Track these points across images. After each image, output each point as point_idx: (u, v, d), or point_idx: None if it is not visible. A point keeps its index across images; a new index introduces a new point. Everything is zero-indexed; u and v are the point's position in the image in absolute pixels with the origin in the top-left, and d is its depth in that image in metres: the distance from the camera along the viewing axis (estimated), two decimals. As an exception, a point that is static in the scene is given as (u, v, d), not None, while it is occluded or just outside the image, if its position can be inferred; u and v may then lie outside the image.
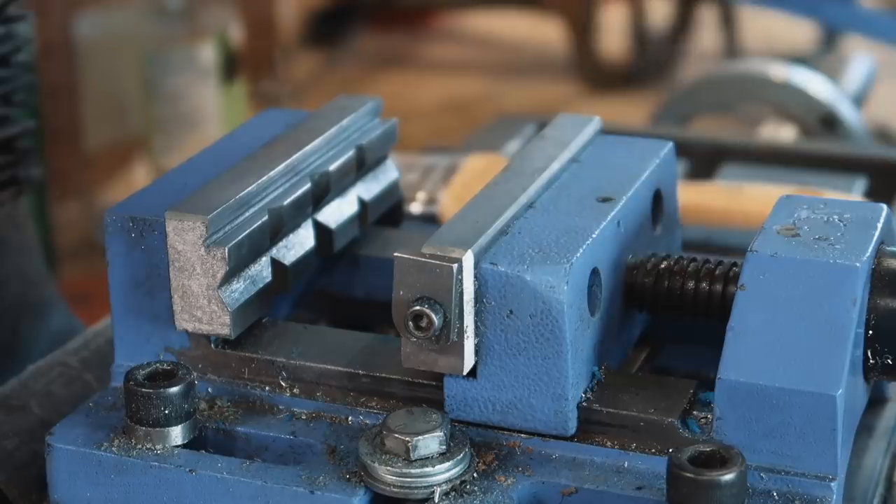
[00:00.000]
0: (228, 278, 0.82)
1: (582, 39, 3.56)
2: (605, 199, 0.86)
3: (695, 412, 0.80)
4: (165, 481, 0.79)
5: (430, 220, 1.16)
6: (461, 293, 0.77)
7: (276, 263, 0.87)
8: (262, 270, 0.86)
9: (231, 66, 3.64)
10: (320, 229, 0.93)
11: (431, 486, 0.76)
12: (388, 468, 0.76)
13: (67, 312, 1.22)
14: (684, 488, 0.71)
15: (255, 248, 0.85)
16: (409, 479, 0.76)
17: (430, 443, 0.76)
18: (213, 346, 0.86)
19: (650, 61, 3.60)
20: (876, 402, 0.89)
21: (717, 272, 0.85)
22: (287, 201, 0.87)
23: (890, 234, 0.84)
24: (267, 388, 0.85)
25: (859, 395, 0.81)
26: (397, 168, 1.01)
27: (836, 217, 0.83)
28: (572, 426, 0.80)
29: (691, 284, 0.86)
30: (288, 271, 0.89)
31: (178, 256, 0.82)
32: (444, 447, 0.77)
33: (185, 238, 0.82)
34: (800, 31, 3.50)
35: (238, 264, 0.83)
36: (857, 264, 0.78)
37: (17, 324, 1.17)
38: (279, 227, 0.87)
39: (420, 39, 4.10)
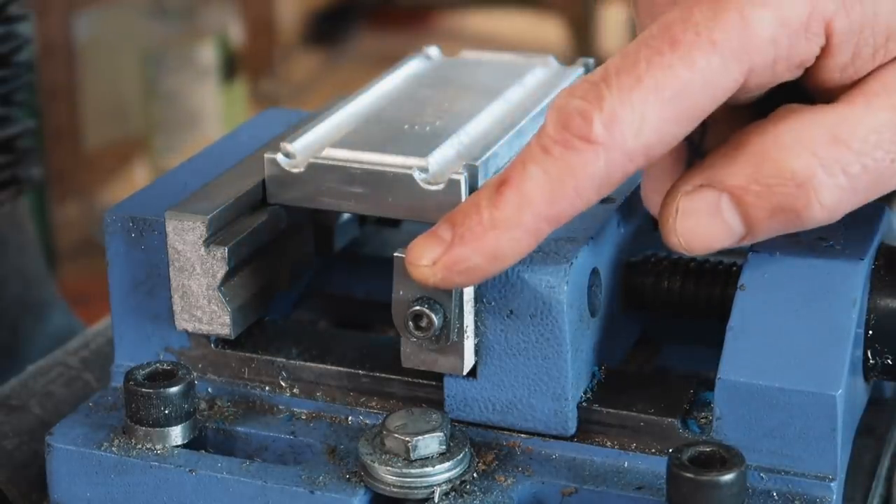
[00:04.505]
0: (228, 278, 0.82)
1: (581, 39, 3.56)
2: (605, 199, 0.86)
3: (695, 412, 0.80)
4: (165, 481, 0.79)
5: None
6: (461, 293, 0.77)
7: (276, 263, 0.87)
8: (262, 270, 0.86)
9: (231, 66, 3.64)
10: (320, 229, 0.93)
11: (431, 486, 0.76)
12: (388, 468, 0.76)
13: (67, 312, 1.22)
14: (684, 488, 0.71)
15: (255, 248, 0.84)
16: (409, 479, 0.76)
17: (430, 443, 0.76)
18: (213, 346, 0.86)
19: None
20: (876, 402, 0.89)
21: (717, 272, 0.85)
22: (287, 201, 0.87)
23: (890, 234, 0.84)
24: (267, 388, 0.85)
25: (859, 395, 0.81)
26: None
27: (836, 217, 0.83)
28: (572, 426, 0.80)
29: (691, 284, 0.86)
30: (288, 271, 0.89)
31: (178, 256, 0.82)
32: (444, 447, 0.77)
33: (185, 238, 0.82)
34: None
35: (238, 264, 0.83)
36: (857, 264, 0.78)
37: (17, 324, 1.17)
38: (279, 226, 0.87)
39: (420, 39, 4.10)
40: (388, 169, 0.83)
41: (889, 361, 0.80)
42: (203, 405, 0.85)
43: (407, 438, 0.76)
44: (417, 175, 0.82)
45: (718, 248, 0.76)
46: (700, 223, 0.75)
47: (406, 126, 0.88)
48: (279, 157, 0.85)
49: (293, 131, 0.88)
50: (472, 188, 0.83)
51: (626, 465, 0.79)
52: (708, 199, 0.74)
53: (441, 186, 0.82)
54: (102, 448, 0.81)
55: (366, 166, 0.83)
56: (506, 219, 0.72)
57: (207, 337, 0.86)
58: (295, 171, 0.84)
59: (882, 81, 0.74)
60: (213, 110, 3.60)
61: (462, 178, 0.82)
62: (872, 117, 0.73)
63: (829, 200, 0.73)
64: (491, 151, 0.85)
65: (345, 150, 0.85)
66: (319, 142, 0.86)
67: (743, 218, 0.74)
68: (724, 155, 0.75)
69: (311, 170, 0.84)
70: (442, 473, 0.76)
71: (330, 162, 0.84)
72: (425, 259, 0.74)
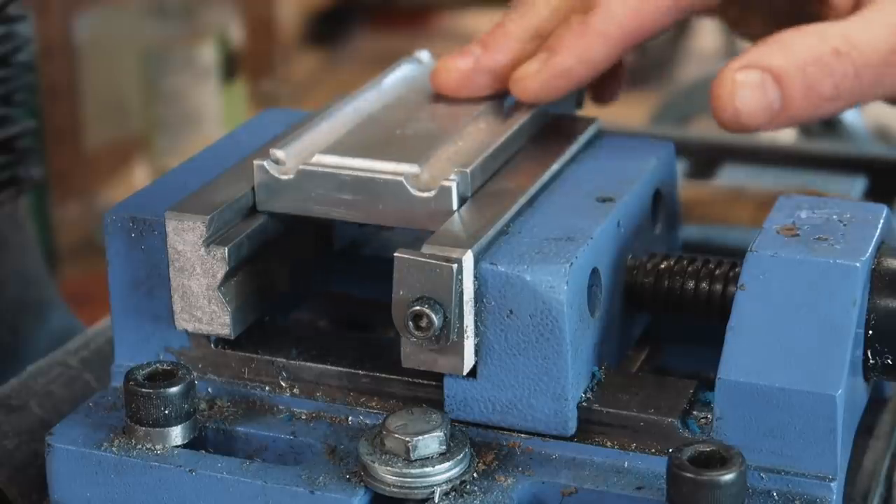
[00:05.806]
0: (228, 278, 0.82)
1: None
2: (605, 199, 0.86)
3: (695, 412, 0.80)
4: (165, 481, 0.79)
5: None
6: (461, 293, 0.77)
7: (276, 263, 0.87)
8: (262, 270, 0.86)
9: (231, 66, 3.65)
10: (320, 228, 0.93)
11: (431, 486, 0.76)
12: (388, 468, 0.76)
13: (67, 312, 1.22)
14: (684, 488, 0.71)
15: (255, 248, 0.84)
16: (409, 479, 0.76)
17: (430, 443, 0.76)
18: (213, 346, 0.86)
19: (650, 61, 3.61)
20: (876, 402, 0.89)
21: (717, 272, 0.85)
22: (287, 201, 0.87)
23: (890, 234, 0.84)
24: (267, 388, 0.85)
25: (859, 395, 0.81)
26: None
27: (836, 217, 0.83)
28: (572, 426, 0.80)
29: (691, 284, 0.86)
30: (288, 271, 0.89)
31: (178, 256, 0.82)
32: (444, 447, 0.77)
33: (185, 238, 0.82)
34: (800, 31, 3.49)
35: (238, 264, 0.83)
36: (857, 264, 0.78)
37: (17, 324, 1.17)
38: (279, 226, 0.87)
39: (420, 39, 4.10)
40: (378, 176, 0.82)
41: (889, 361, 0.80)
42: (203, 405, 0.85)
43: (407, 438, 0.76)
44: (408, 182, 0.82)
45: (761, 124, 0.87)
46: (749, 95, 0.86)
47: (397, 131, 0.88)
48: (267, 163, 0.84)
49: (283, 137, 0.87)
50: (464, 195, 0.83)
51: (626, 465, 0.79)
52: (754, 76, 0.87)
53: (432, 193, 0.82)
54: (102, 448, 0.81)
55: (356, 173, 0.83)
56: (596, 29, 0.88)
57: (207, 337, 0.86)
58: (284, 177, 0.84)
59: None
60: (213, 110, 3.60)
61: (453, 185, 0.81)
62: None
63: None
64: (483, 157, 0.85)
65: (335, 156, 0.84)
66: (309, 148, 0.86)
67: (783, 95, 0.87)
68: (765, 43, 0.88)
69: (300, 176, 0.84)
70: (442, 473, 0.76)
71: (320, 168, 0.84)
72: (531, 68, 0.89)
